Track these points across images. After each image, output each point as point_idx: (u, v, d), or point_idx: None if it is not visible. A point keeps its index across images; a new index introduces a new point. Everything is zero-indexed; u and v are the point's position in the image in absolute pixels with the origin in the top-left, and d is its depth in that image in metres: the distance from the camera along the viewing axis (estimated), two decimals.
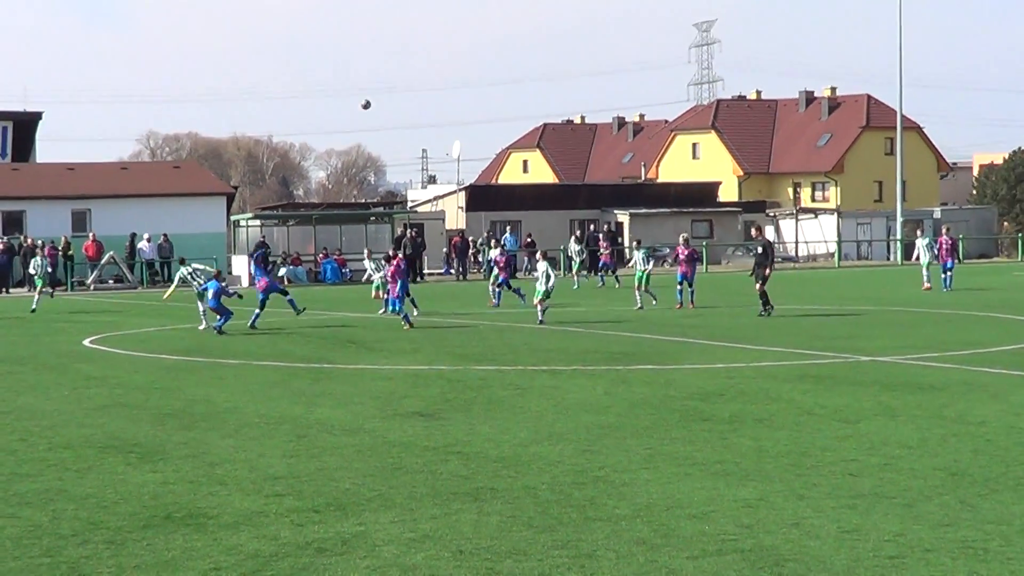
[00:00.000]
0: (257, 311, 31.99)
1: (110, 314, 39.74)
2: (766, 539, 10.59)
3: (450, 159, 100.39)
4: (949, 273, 44.51)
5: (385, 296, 34.71)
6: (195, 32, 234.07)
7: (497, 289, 38.85)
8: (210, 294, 30.81)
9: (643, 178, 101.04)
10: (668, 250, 61.37)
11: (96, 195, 60.97)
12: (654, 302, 37.30)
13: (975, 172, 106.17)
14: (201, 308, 32.11)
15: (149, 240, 58.63)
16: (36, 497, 12.72)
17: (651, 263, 39.36)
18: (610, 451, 14.58)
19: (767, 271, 33.92)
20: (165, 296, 33.65)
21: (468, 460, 14.21)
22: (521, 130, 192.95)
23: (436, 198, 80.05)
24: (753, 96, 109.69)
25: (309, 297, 41.55)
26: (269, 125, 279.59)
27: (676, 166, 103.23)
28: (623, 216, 73.23)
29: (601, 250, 53.92)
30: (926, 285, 44.66)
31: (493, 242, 50.99)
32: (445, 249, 65.02)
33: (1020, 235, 77.59)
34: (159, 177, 67.08)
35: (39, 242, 54.70)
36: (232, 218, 65.65)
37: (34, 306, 40.15)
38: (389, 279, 32.69)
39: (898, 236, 74.45)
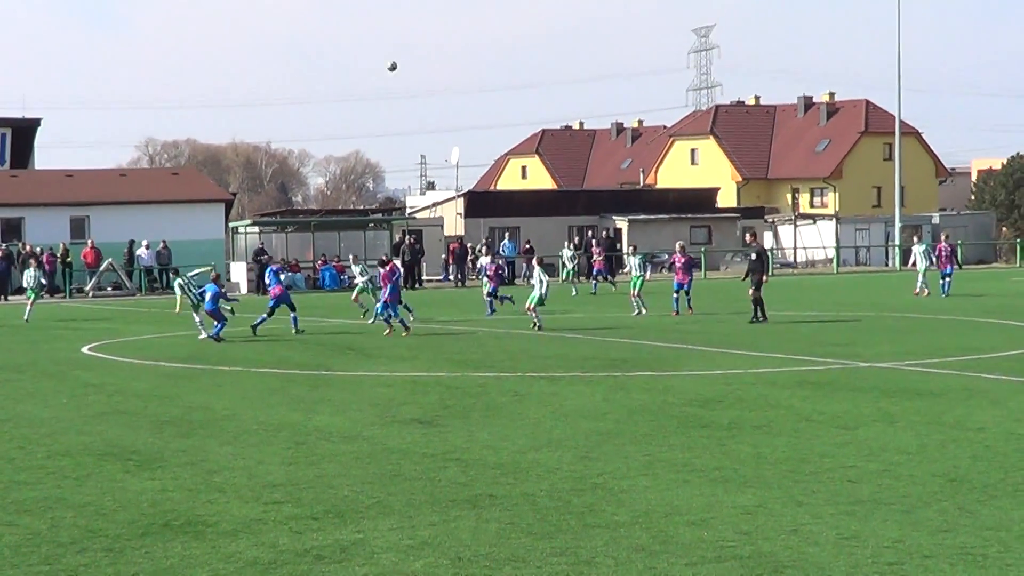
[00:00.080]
0: (264, 316, 31.96)
1: (109, 321, 39.75)
2: (765, 546, 10.60)
3: (449, 165, 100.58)
4: (948, 279, 44.56)
5: (370, 305, 34.72)
6: (194, 39, 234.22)
7: (489, 299, 38.75)
8: (208, 296, 30.79)
9: (642, 184, 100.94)
10: (666, 256, 61.25)
11: (95, 202, 60.84)
12: (644, 311, 37.14)
13: (973, 177, 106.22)
14: (197, 319, 32.03)
15: (148, 247, 58.56)
16: (35, 505, 12.72)
17: (648, 269, 39.27)
18: (609, 458, 14.58)
19: (762, 277, 33.93)
20: (177, 310, 33.72)
21: (467, 467, 14.22)
22: (520, 136, 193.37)
23: (435, 204, 79.86)
24: (752, 101, 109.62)
25: (307, 304, 41.51)
26: (268, 131, 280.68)
27: (675, 172, 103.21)
28: (622, 222, 73.14)
29: (594, 256, 53.86)
30: (916, 290, 44.68)
31: (484, 249, 50.80)
32: (444, 256, 64.98)
33: (1018, 240, 77.54)
34: (158, 184, 66.96)
35: (38, 249, 54.67)
36: (231, 225, 65.58)
37: (26, 316, 40.07)
38: (380, 283, 32.69)
39: (897, 242, 74.39)
